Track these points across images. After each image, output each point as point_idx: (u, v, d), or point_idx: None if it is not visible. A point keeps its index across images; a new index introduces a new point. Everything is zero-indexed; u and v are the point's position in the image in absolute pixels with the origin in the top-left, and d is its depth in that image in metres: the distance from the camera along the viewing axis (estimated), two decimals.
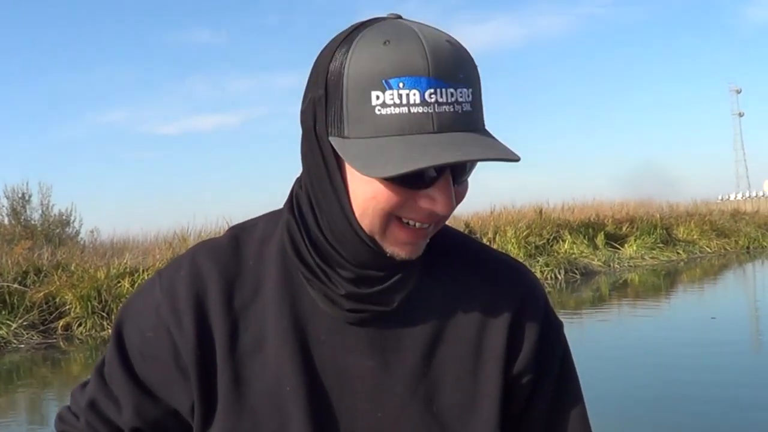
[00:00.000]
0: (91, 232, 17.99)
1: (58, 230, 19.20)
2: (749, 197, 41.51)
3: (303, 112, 0.91)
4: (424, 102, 0.82)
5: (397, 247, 0.90)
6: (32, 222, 19.21)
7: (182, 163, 47.96)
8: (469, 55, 0.89)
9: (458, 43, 0.88)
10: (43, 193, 19.55)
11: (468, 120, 0.84)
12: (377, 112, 0.82)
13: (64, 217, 19.64)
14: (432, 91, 0.82)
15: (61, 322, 10.60)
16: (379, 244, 0.90)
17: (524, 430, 1.00)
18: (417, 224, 0.89)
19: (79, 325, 10.63)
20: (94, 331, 10.53)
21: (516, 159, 0.83)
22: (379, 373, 0.94)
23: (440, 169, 0.85)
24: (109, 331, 9.90)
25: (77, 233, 19.32)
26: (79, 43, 52.10)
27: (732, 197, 40.95)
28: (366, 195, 0.87)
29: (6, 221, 19.12)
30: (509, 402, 0.98)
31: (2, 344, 9.90)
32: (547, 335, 1.01)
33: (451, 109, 0.83)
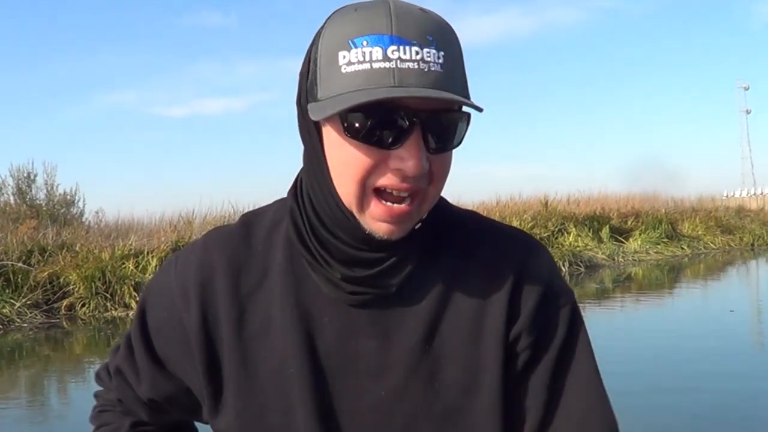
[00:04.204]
0: (96, 212, 18.02)
1: (63, 210, 19.23)
2: (755, 194, 41.38)
3: (297, 94, 0.93)
4: (386, 58, 0.83)
5: (375, 225, 0.90)
6: (37, 201, 19.25)
7: (189, 145, 47.95)
8: (447, 25, 0.90)
9: (435, 14, 0.89)
10: (48, 173, 19.58)
11: (437, 80, 0.84)
12: (343, 71, 0.85)
13: (68, 197, 19.67)
14: (395, 48, 0.84)
15: (65, 302, 10.65)
16: (359, 221, 0.90)
17: (526, 398, 0.97)
18: (394, 192, 0.88)
19: (83, 305, 10.67)
20: (97, 311, 10.57)
21: (476, 107, 0.85)
22: (382, 352, 0.96)
23: (409, 128, 0.85)
24: (113, 312, 9.92)
25: (81, 213, 19.36)
26: (88, 24, 52.15)
27: (737, 194, 40.81)
28: (340, 160, 0.88)
29: (11, 200, 19.17)
30: (511, 371, 0.97)
31: (5, 323, 9.94)
32: (548, 301, 0.98)
33: (416, 66, 0.84)
